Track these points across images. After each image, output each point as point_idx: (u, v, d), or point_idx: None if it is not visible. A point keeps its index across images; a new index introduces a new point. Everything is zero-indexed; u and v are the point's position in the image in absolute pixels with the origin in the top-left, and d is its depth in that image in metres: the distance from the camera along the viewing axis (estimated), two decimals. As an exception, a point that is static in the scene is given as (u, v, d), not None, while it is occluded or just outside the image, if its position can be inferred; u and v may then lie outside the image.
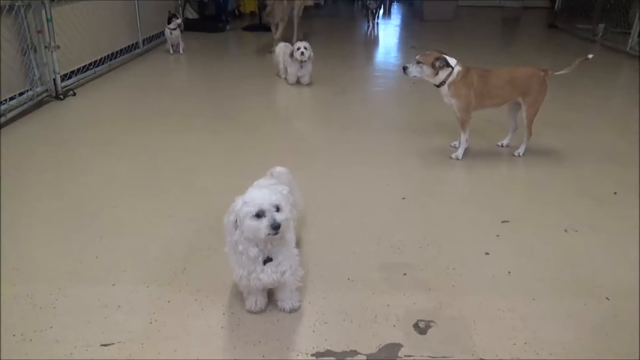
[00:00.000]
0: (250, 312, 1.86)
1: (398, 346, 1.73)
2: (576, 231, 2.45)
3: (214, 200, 2.67)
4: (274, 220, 1.58)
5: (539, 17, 9.67)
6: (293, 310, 1.87)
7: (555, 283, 2.07)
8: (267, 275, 1.71)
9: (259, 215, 1.59)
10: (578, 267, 2.19)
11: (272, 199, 1.61)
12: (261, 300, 1.86)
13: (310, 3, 6.92)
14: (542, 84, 3.13)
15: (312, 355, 1.69)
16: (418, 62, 3.05)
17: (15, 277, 2.04)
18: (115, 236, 2.35)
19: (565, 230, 2.46)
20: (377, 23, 8.61)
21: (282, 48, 5.04)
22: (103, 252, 2.23)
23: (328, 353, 1.70)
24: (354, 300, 1.95)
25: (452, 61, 3.05)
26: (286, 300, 1.86)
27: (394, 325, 1.82)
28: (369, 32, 8.01)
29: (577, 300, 1.97)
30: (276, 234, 1.60)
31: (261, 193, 1.62)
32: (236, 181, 2.86)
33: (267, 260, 1.70)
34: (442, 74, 3.05)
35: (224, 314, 1.86)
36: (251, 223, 1.60)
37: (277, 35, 6.00)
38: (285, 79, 5.01)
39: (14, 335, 1.74)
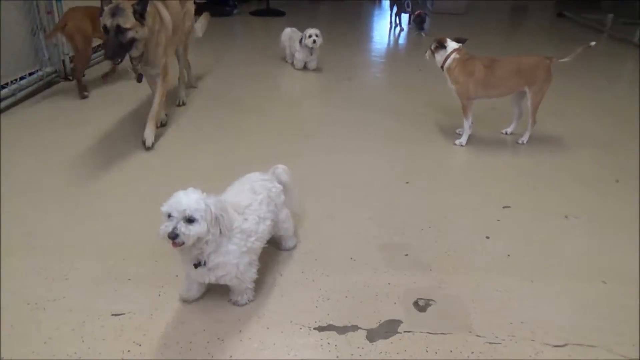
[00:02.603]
0: (181, 298, 1.86)
1: (398, 322, 1.78)
2: (576, 218, 2.49)
3: (214, 182, 2.71)
4: (172, 229, 1.52)
5: (547, 6, 9.59)
6: (237, 305, 1.84)
7: (553, 266, 2.12)
8: (200, 276, 1.71)
9: (169, 216, 1.55)
10: (577, 251, 2.23)
11: (185, 206, 1.53)
12: (195, 289, 1.84)
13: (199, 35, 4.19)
14: (547, 72, 3.14)
15: (314, 329, 1.75)
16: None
17: (27, 251, 2.11)
18: (121, 216, 2.40)
19: (566, 217, 2.50)
20: (402, 28, 7.36)
21: (288, 33, 5.06)
22: (110, 230, 2.28)
23: (330, 327, 1.76)
24: (356, 278, 2.01)
25: (451, 45, 3.15)
26: (232, 295, 1.84)
27: (395, 303, 1.88)
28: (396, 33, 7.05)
29: (574, 283, 2.02)
30: (175, 243, 1.54)
31: (185, 198, 1.56)
32: (238, 164, 2.93)
33: (198, 264, 1.66)
34: (439, 57, 3.21)
35: (230, 288, 1.92)
36: (163, 220, 1.56)
37: (155, 106, 3.19)
38: (292, 64, 5.02)
39: (28, 304, 1.81)
